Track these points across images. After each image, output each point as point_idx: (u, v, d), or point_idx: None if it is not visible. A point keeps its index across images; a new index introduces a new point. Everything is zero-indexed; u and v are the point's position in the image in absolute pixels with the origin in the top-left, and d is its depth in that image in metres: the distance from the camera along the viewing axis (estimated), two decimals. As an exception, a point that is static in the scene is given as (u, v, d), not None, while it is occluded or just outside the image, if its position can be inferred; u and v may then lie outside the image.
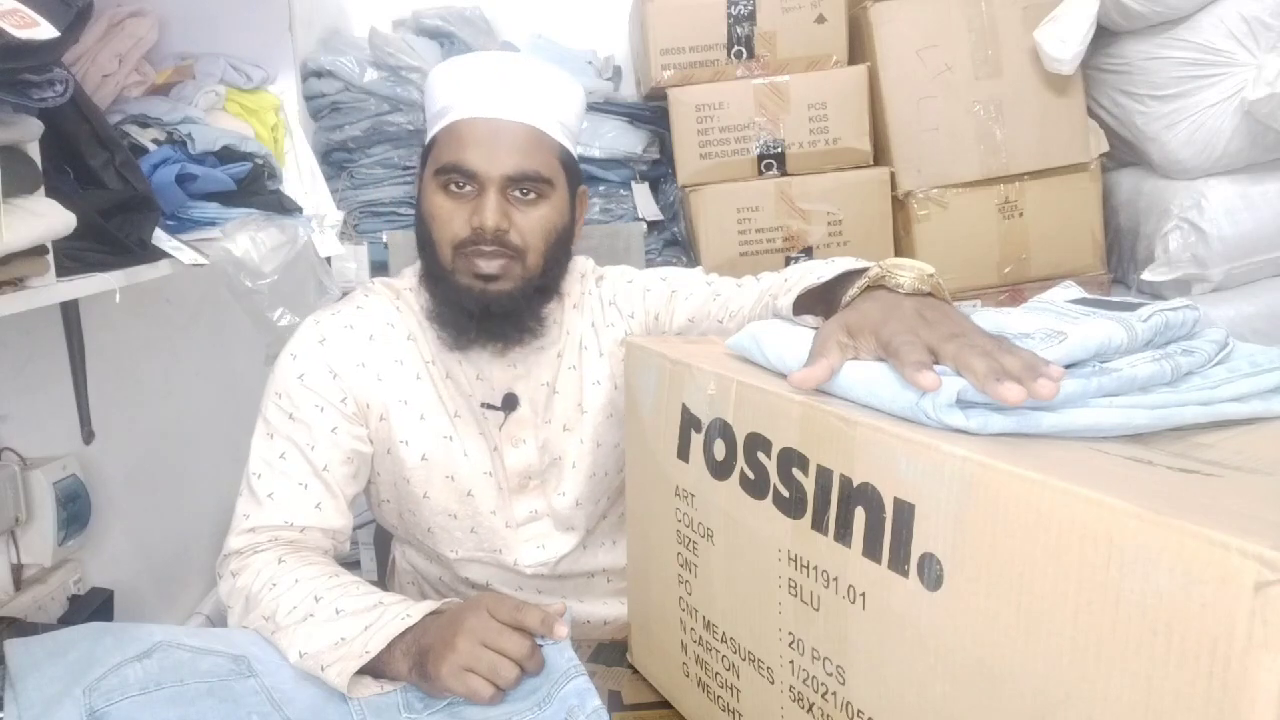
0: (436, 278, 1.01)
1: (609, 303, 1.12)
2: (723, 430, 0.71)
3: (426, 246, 1.01)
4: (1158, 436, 0.57)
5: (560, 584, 1.13)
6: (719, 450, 0.72)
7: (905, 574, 0.54)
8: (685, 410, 0.76)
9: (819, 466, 0.61)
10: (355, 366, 1.02)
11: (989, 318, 0.69)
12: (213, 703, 0.79)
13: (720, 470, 0.72)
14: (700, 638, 0.78)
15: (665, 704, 0.88)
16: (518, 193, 0.97)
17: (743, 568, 0.71)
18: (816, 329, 0.71)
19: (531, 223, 0.98)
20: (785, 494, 0.64)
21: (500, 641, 0.78)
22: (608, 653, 0.99)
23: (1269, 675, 0.36)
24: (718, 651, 0.76)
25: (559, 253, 1.02)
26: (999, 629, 0.48)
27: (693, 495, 0.76)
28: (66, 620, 1.34)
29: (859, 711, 0.60)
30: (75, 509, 1.36)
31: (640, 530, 0.87)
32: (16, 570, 1.31)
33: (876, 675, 0.58)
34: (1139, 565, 0.40)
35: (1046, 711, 0.45)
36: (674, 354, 0.78)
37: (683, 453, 0.77)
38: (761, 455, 0.66)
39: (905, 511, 0.54)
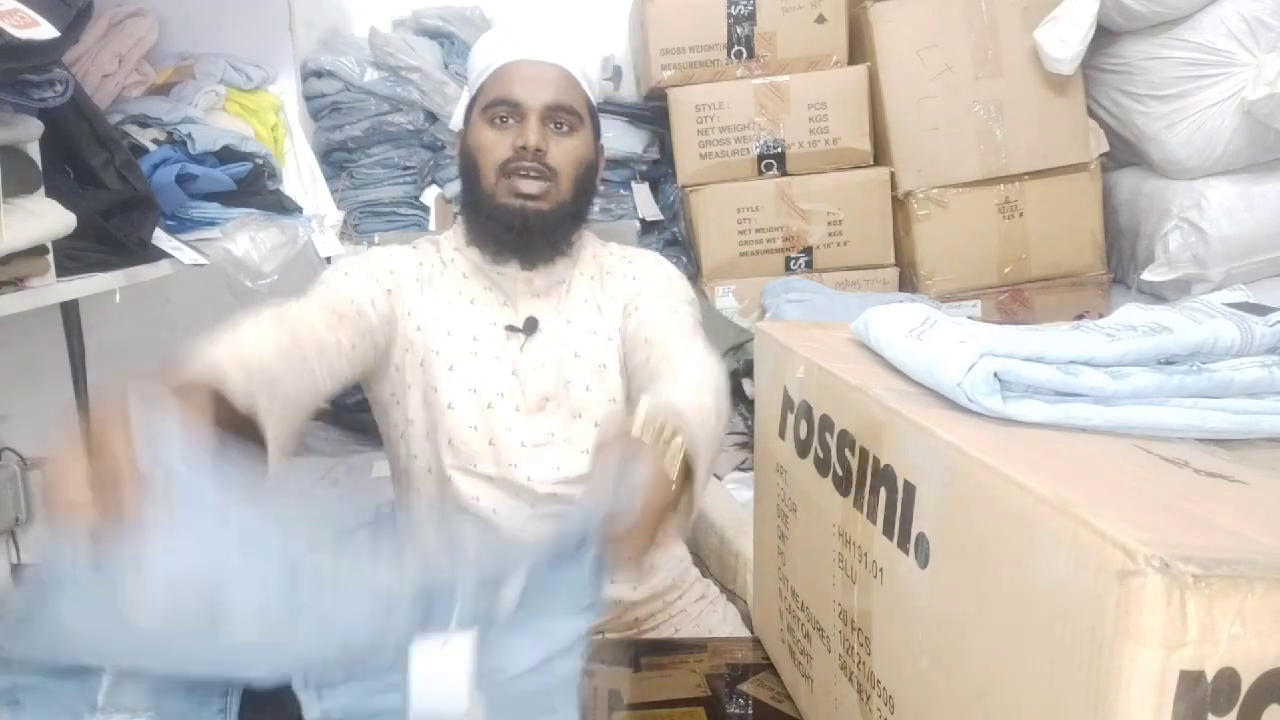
0: (479, 202, 1.14)
1: (621, 258, 1.24)
2: (806, 411, 0.74)
3: (470, 175, 1.15)
4: (1244, 443, 0.57)
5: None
6: (802, 430, 0.75)
7: (907, 552, 0.56)
8: (785, 392, 0.79)
9: (861, 448, 0.63)
10: (406, 271, 1.16)
11: (1133, 310, 0.69)
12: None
13: (802, 449, 0.75)
14: (789, 606, 0.81)
15: (667, 704, 0.88)
16: (553, 124, 1.12)
17: (811, 541, 0.74)
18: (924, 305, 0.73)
19: (565, 150, 1.13)
20: (840, 473, 0.67)
21: None
22: (608, 652, 0.99)
23: (1131, 665, 0.36)
24: (799, 619, 0.79)
25: (588, 184, 1.17)
26: (960, 608, 0.49)
27: (786, 471, 0.80)
28: (66, 620, 1.34)
29: (878, 681, 0.62)
30: (75, 509, 1.36)
31: (760, 506, 0.91)
32: (17, 570, 1.31)
33: (888, 647, 0.60)
34: (1047, 551, 0.41)
35: (987, 690, 0.46)
36: (784, 338, 0.82)
37: (782, 431, 0.80)
38: (828, 436, 0.69)
39: (910, 493, 0.55)
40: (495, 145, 1.12)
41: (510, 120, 1.13)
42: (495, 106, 1.13)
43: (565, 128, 1.13)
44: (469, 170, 1.17)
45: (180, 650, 0.54)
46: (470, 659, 0.54)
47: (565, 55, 1.15)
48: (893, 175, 1.98)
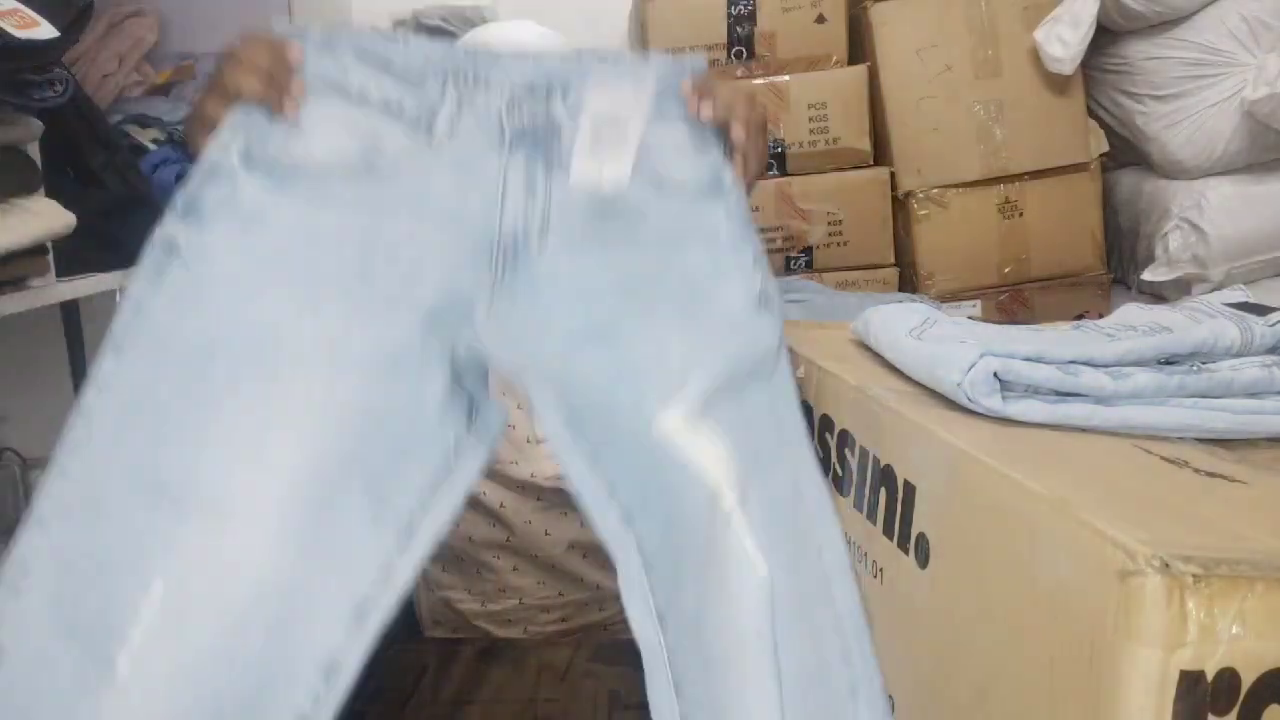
0: None
1: None
2: (806, 411, 0.74)
3: None
4: (1244, 443, 0.57)
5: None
6: None
7: (907, 552, 0.55)
8: None
9: (861, 448, 0.64)
10: None
11: (1133, 310, 0.69)
12: None
13: None
14: None
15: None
16: None
17: None
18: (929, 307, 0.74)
19: None
20: (840, 473, 0.68)
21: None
22: (608, 652, 0.99)
23: (1131, 665, 0.36)
24: None
25: None
26: (960, 608, 0.50)
27: None
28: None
29: None
30: (75, 509, 1.36)
31: None
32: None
33: (888, 646, 0.60)
34: (1048, 551, 0.42)
35: (988, 688, 0.47)
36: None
37: None
38: (828, 435, 0.70)
39: (910, 493, 0.56)
40: None
41: None
42: None
43: None
44: None
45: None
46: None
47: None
48: (893, 175, 1.97)
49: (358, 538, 0.59)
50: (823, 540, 0.64)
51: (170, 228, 0.63)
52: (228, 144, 0.66)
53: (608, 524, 0.64)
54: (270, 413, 0.59)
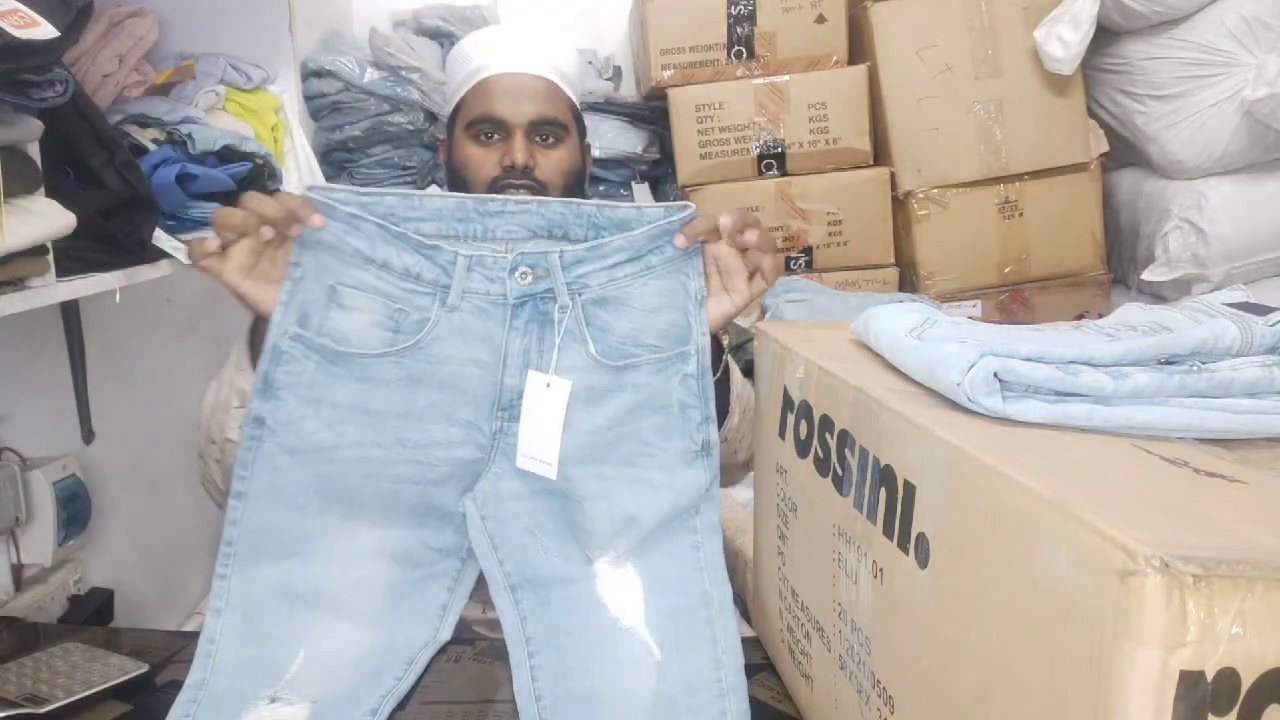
0: None
1: None
2: (806, 411, 0.75)
3: (459, 190, 1.16)
4: (1244, 443, 0.57)
5: None
6: (803, 430, 0.76)
7: (907, 552, 0.56)
8: (785, 392, 0.80)
9: (861, 448, 0.63)
10: None
11: (1133, 310, 0.70)
12: None
13: (802, 449, 0.76)
14: (789, 606, 0.82)
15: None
16: (539, 137, 1.14)
17: (812, 541, 0.74)
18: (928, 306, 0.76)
19: (553, 162, 1.14)
20: (840, 472, 0.67)
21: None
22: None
23: (1131, 665, 0.36)
24: (799, 619, 0.79)
25: (576, 191, 1.19)
26: (960, 608, 0.49)
27: (786, 471, 0.80)
28: (66, 620, 1.34)
29: (879, 681, 0.62)
30: (75, 509, 1.36)
31: (760, 505, 0.92)
32: (16, 570, 1.31)
33: (888, 647, 0.60)
34: (1048, 550, 0.41)
35: (988, 689, 0.47)
36: (784, 338, 0.82)
37: (781, 431, 0.81)
38: (828, 435, 0.70)
39: (910, 493, 0.55)
40: (483, 163, 1.13)
41: (495, 136, 1.14)
42: (479, 123, 1.14)
43: (551, 139, 1.15)
44: (457, 186, 1.18)
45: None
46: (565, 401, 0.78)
47: (544, 64, 1.16)
48: (893, 175, 1.98)
49: (414, 621, 0.82)
50: (725, 647, 0.78)
51: (256, 406, 0.77)
52: (282, 324, 0.78)
53: (512, 642, 0.79)
54: (354, 542, 0.80)
